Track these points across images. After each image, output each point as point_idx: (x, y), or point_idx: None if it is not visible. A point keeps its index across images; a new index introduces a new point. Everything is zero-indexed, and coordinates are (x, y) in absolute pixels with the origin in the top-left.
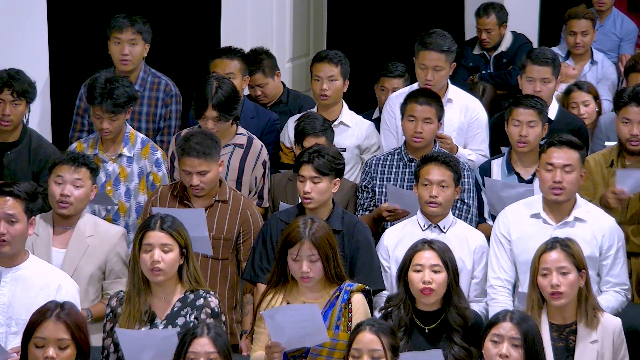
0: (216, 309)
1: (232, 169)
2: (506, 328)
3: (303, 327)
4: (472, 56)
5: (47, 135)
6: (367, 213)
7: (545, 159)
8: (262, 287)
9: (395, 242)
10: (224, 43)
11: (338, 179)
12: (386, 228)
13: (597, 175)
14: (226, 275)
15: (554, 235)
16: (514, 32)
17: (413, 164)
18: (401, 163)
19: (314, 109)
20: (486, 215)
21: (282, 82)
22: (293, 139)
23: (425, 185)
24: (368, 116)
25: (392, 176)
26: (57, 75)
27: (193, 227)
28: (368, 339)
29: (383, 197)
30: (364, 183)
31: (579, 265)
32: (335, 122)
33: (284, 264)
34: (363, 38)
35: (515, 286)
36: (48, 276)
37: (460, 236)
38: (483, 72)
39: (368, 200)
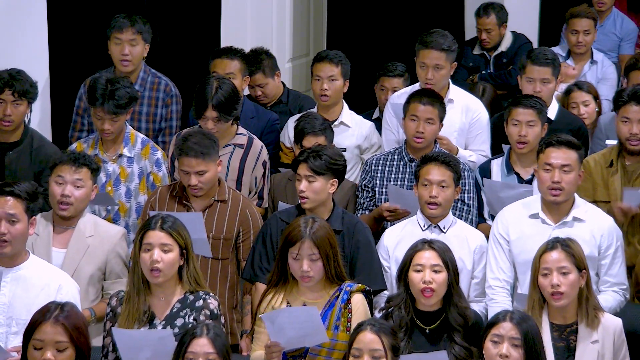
0: (215, 311)
1: (232, 169)
2: (506, 328)
3: (302, 327)
4: (472, 56)
5: (47, 135)
6: (367, 212)
7: (544, 159)
8: (261, 286)
9: (395, 242)
10: (224, 43)
11: (335, 179)
12: (386, 228)
13: (596, 176)
14: (226, 275)
15: (553, 235)
16: (514, 32)
17: (413, 163)
18: (401, 163)
19: (314, 109)
20: (486, 215)
21: (282, 82)
22: (293, 139)
23: (425, 185)
24: (368, 116)
25: (392, 176)
26: (57, 75)
27: (192, 230)
28: (369, 339)
29: (383, 197)
30: (364, 182)
31: (580, 265)
32: (336, 122)
33: (284, 264)
34: (363, 38)
35: (514, 286)
36: (48, 276)
37: (460, 236)
38: (483, 72)
39: (368, 199)
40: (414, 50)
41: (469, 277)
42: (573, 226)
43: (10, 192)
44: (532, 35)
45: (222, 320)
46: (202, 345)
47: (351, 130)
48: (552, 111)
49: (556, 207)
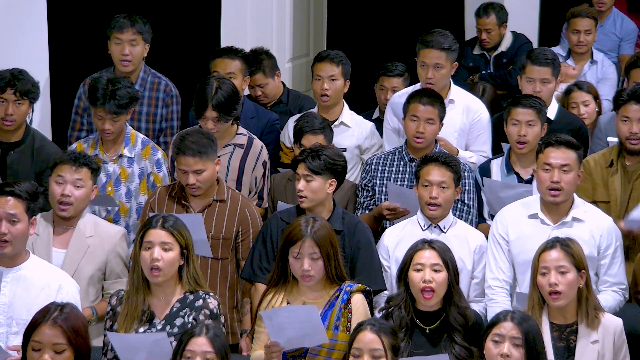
0: (215, 311)
1: (232, 169)
2: (507, 328)
3: (302, 327)
4: (472, 56)
5: (47, 135)
6: (367, 212)
7: (543, 159)
8: (260, 286)
9: (395, 242)
10: (224, 43)
11: (334, 179)
12: (386, 227)
13: (596, 176)
14: (226, 275)
15: (552, 235)
16: (514, 32)
17: (413, 163)
18: (402, 162)
19: (315, 109)
20: (486, 215)
21: (282, 82)
22: (293, 139)
23: (426, 186)
24: (368, 116)
25: (393, 175)
26: (57, 75)
27: (191, 231)
28: (369, 339)
29: (383, 196)
30: (364, 182)
31: (579, 265)
32: (336, 123)
33: (284, 263)
34: (363, 38)
35: (513, 287)
36: (49, 276)
37: (460, 236)
38: (483, 72)
39: (368, 199)
40: (414, 50)
41: (468, 277)
42: (572, 226)
43: (10, 192)
44: (532, 35)
45: (222, 320)
46: (200, 344)
47: (351, 131)
48: (552, 111)
49: (555, 207)
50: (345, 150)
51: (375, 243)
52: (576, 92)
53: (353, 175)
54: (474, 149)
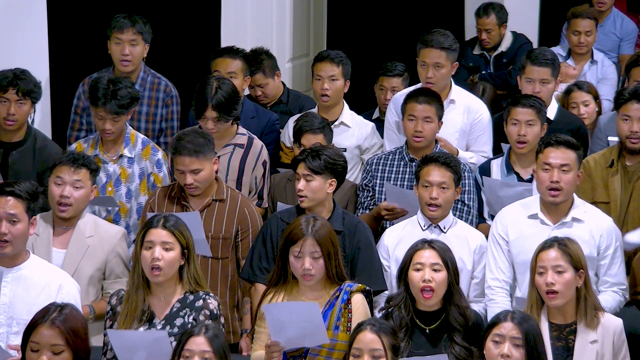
0: (215, 311)
1: (233, 169)
2: (507, 328)
3: (303, 326)
4: (472, 56)
5: (47, 135)
6: (368, 212)
7: (543, 158)
8: (260, 287)
9: (395, 242)
10: (224, 43)
11: (334, 179)
12: (386, 227)
13: (596, 176)
14: (226, 275)
15: (552, 235)
16: (514, 32)
17: (413, 163)
18: (402, 162)
19: (315, 109)
20: (486, 215)
21: (282, 82)
22: (293, 139)
23: (426, 186)
24: (368, 116)
25: (393, 175)
26: (57, 75)
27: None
28: (369, 339)
29: (383, 196)
30: (364, 182)
31: (577, 264)
32: (336, 123)
33: (284, 263)
34: (363, 38)
35: (513, 287)
36: (49, 276)
37: (460, 236)
38: (483, 72)
39: (368, 199)
40: (414, 50)
41: (468, 277)
42: (572, 226)
43: (10, 192)
44: (532, 35)
45: (222, 320)
46: (199, 343)
47: (351, 131)
48: (552, 111)
49: (555, 207)
50: (345, 150)
51: (376, 243)
52: (576, 92)
53: (353, 175)
54: (475, 150)
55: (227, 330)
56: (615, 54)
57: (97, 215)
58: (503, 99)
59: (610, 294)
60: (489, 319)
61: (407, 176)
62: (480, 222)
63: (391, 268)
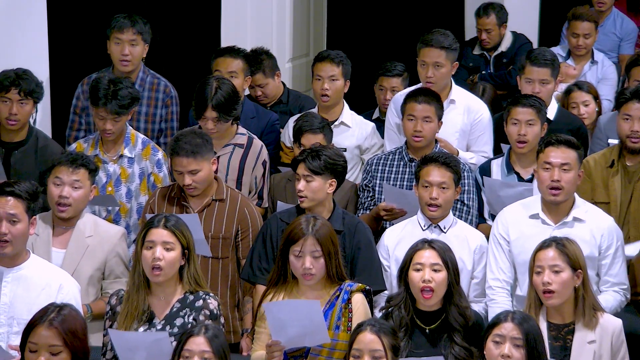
0: (215, 311)
1: (232, 169)
2: (508, 328)
3: (303, 324)
4: (472, 56)
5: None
6: (368, 212)
7: (543, 158)
8: (260, 288)
9: (395, 242)
10: (224, 43)
11: (334, 179)
12: (386, 227)
13: (596, 176)
14: (227, 274)
15: (553, 235)
16: (514, 32)
17: (413, 164)
18: (402, 163)
19: (315, 109)
20: (486, 215)
21: (282, 82)
22: (293, 139)
23: (426, 186)
24: (368, 116)
25: (393, 175)
26: (57, 75)
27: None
28: (369, 339)
29: (383, 197)
30: (364, 182)
31: (574, 264)
32: (336, 123)
33: (284, 263)
34: (363, 38)
35: (514, 287)
36: (49, 276)
37: (460, 236)
38: (483, 72)
39: (369, 199)
40: (414, 50)
41: (469, 278)
42: (573, 226)
43: (10, 192)
44: (532, 35)
45: (222, 320)
46: (198, 343)
47: (351, 131)
48: (552, 111)
49: (556, 207)
50: (345, 150)
51: (376, 243)
52: (576, 92)
53: (353, 175)
54: (475, 150)
55: (228, 330)
56: (615, 54)
57: (97, 215)
58: (503, 99)
59: (612, 293)
60: (489, 319)
61: (406, 176)
62: (481, 222)
63: (391, 268)
